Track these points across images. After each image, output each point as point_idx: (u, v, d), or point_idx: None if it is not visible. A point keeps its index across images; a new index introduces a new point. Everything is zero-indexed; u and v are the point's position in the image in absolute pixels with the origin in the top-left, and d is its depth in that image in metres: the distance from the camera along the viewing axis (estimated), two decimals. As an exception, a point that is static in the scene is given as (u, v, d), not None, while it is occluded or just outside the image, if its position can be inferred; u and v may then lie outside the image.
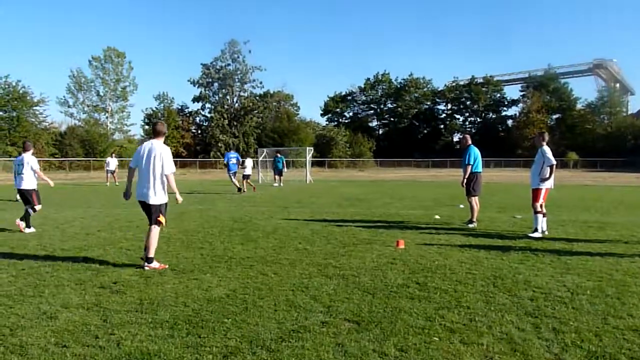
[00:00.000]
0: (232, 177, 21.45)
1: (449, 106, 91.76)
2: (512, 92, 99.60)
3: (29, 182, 10.15)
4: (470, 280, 5.93)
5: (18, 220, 9.90)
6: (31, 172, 10.15)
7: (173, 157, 6.92)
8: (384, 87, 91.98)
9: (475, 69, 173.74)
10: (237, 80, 73.34)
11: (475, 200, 10.82)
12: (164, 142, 6.83)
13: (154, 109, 71.48)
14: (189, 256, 7.37)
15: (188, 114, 76.02)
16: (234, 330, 4.21)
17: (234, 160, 21.63)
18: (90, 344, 3.91)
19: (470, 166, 10.70)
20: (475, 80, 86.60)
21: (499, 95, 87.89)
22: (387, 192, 21.93)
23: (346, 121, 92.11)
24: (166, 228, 8.01)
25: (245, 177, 22.64)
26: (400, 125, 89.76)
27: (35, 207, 10.12)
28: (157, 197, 6.59)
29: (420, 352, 3.75)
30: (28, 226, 9.87)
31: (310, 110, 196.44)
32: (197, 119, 77.21)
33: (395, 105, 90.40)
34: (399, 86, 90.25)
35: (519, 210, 13.56)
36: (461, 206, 14.15)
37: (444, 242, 8.58)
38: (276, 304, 4.96)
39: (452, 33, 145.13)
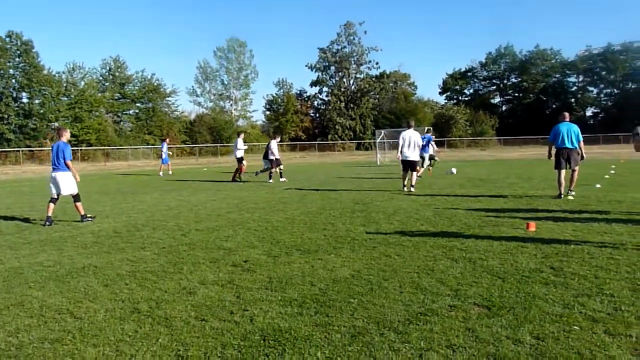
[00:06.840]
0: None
1: (581, 78, 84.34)
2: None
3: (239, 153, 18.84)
4: (613, 266, 5.42)
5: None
6: (241, 149, 18.91)
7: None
8: (507, 60, 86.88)
9: (610, 35, 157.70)
10: (353, 62, 73.62)
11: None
12: None
13: (274, 95, 74.22)
14: (313, 237, 7.53)
15: (306, 98, 77.82)
16: (360, 310, 4.23)
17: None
18: (226, 318, 4.14)
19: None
20: (612, 48, 78.49)
21: (640, 63, 78.91)
22: (512, 172, 20.76)
23: (466, 99, 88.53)
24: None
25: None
26: (526, 100, 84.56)
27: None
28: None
29: (559, 341, 3.49)
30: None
31: (428, 89, 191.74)
32: (315, 102, 78.79)
33: (520, 79, 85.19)
34: (523, 59, 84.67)
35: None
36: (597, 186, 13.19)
37: (580, 225, 7.91)
38: (401, 285, 4.90)
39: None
